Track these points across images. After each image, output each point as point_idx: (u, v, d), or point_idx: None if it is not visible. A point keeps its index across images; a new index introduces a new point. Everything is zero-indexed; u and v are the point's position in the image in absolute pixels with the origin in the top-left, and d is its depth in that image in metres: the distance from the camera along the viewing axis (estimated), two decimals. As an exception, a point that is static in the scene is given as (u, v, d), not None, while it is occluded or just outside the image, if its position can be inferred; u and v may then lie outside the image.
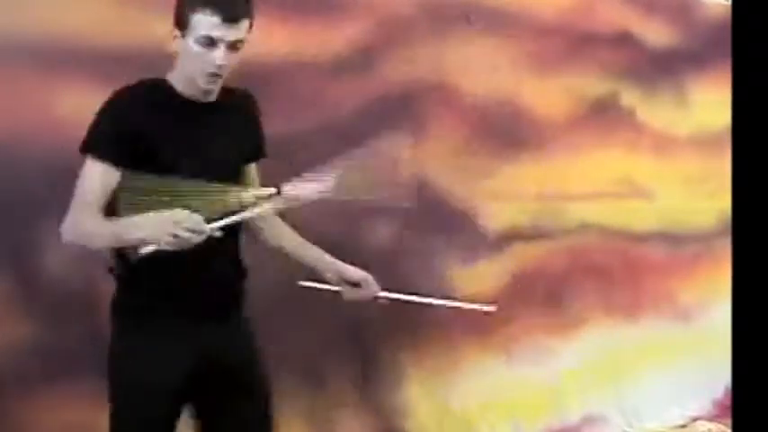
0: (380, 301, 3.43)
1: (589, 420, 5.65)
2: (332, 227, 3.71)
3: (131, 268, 3.13)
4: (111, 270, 3.18)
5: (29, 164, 3.73)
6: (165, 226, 2.86)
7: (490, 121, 5.21)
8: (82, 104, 3.76)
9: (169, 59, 3.30)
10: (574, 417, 5.59)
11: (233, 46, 3.02)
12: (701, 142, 6.32)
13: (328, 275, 3.39)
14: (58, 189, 3.44)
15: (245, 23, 3.03)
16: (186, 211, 2.87)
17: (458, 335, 5.09)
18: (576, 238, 5.69)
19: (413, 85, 4.87)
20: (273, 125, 3.34)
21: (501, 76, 5.28)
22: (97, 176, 3.05)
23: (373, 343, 3.57)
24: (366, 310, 3.56)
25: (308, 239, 3.41)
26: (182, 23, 3.02)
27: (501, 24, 5.25)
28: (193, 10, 2.98)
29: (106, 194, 3.04)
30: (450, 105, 5.05)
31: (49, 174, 3.72)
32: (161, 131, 3.05)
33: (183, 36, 3.02)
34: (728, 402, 5.33)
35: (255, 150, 3.36)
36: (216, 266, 3.14)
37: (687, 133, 6.29)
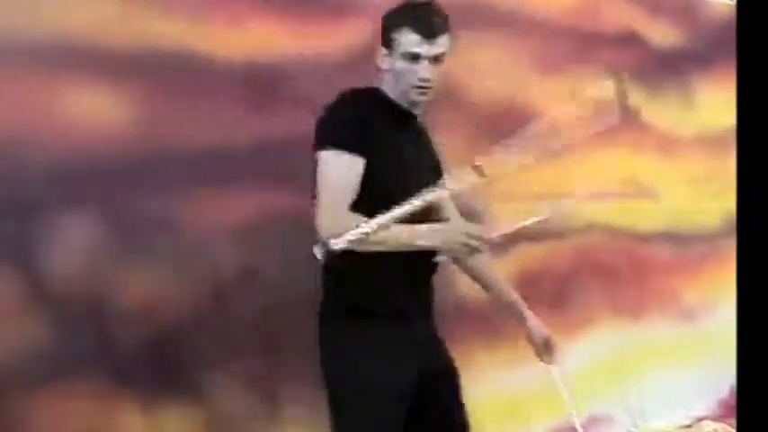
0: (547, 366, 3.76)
1: (594, 420, 5.64)
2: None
3: (344, 268, 3.24)
4: (326, 268, 3.30)
5: (33, 163, 3.72)
6: (458, 236, 3.20)
7: (496, 121, 5.20)
8: (86, 104, 3.79)
9: (173, 59, 3.32)
10: (579, 416, 5.58)
11: (435, 59, 3.32)
12: (706, 142, 6.32)
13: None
14: (62, 189, 3.46)
15: (444, 38, 3.34)
16: (477, 225, 3.29)
17: (464, 335, 5.09)
18: (582, 238, 5.69)
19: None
20: (278, 125, 3.35)
21: (506, 77, 5.28)
22: (346, 167, 3.18)
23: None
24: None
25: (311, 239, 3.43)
26: (387, 43, 3.34)
27: (506, 25, 5.25)
28: (396, 30, 3.30)
29: (358, 184, 3.18)
30: (456, 105, 5.05)
31: (53, 174, 3.72)
32: (384, 127, 3.29)
33: (390, 54, 3.34)
34: (733, 402, 5.33)
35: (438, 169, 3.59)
36: (419, 264, 3.33)
37: (692, 133, 6.29)
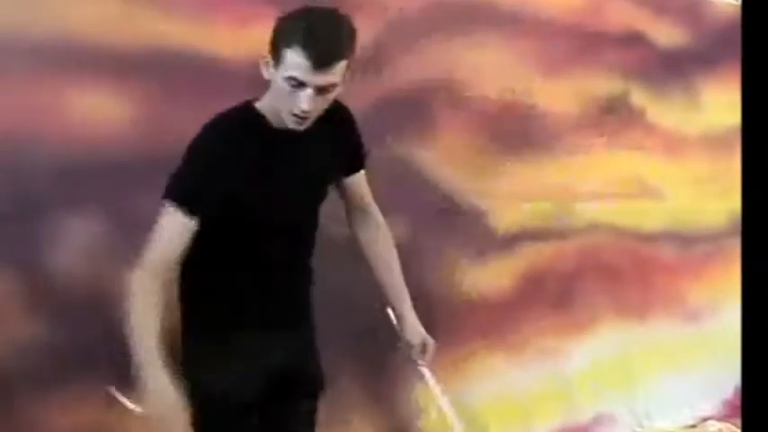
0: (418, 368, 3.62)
1: (599, 420, 5.65)
2: (342, 226, 3.72)
3: (199, 283, 3.19)
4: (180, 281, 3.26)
5: (38, 163, 3.73)
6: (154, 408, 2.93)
7: (500, 121, 5.20)
8: (89, 103, 3.79)
9: (177, 59, 3.33)
10: (584, 417, 5.59)
11: (323, 90, 2.94)
12: (711, 142, 6.32)
13: (392, 317, 3.58)
14: (67, 188, 3.46)
15: (339, 66, 2.93)
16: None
17: (469, 335, 5.09)
18: (586, 238, 5.69)
19: (423, 85, 4.87)
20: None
21: (510, 77, 5.28)
22: (175, 228, 3.02)
23: (385, 343, 3.58)
24: (376, 310, 3.56)
25: (317, 238, 3.44)
26: (274, 54, 2.95)
27: (511, 24, 5.25)
28: (287, 45, 2.88)
29: (180, 247, 3.02)
30: (460, 105, 5.05)
31: (58, 173, 3.72)
32: (246, 175, 3.04)
33: (275, 68, 2.95)
34: (738, 402, 5.32)
35: (352, 162, 3.40)
36: (284, 275, 3.21)
37: (697, 133, 6.28)
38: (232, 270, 3.14)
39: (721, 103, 6.22)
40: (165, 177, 3.21)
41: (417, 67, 4.80)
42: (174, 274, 3.16)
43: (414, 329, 3.57)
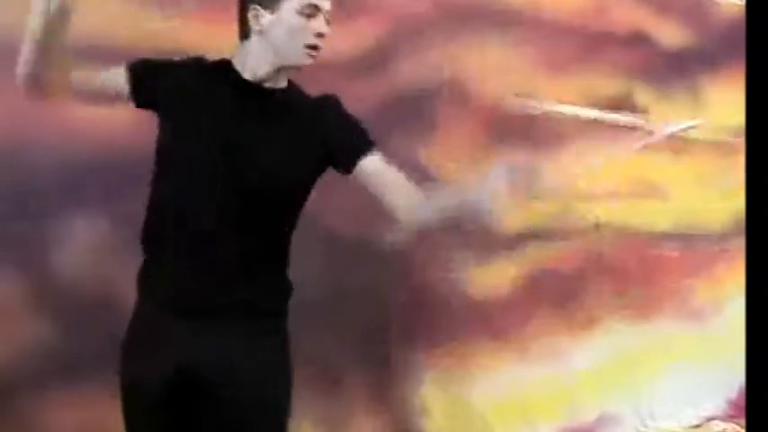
0: None
1: (603, 420, 5.65)
2: (347, 225, 3.73)
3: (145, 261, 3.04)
4: None
5: (41, 164, 3.74)
6: None
7: (504, 121, 5.21)
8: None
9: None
10: (588, 416, 5.59)
11: (326, 16, 2.98)
12: (715, 142, 6.32)
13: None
14: (70, 189, 3.47)
15: None
16: None
17: (473, 335, 5.10)
18: (591, 238, 5.69)
19: (427, 85, 4.87)
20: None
21: (515, 77, 5.28)
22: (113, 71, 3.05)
23: (389, 343, 3.58)
24: (381, 311, 3.57)
25: (322, 238, 3.42)
26: (271, 1, 2.92)
27: (515, 24, 5.25)
28: None
29: (102, 76, 3.08)
30: (465, 105, 5.05)
31: (61, 174, 3.73)
32: (207, 99, 2.97)
33: (274, 11, 2.92)
34: (743, 402, 5.32)
35: (341, 154, 3.11)
36: (213, 265, 2.92)
37: (701, 133, 6.28)
38: (166, 232, 2.97)
39: (726, 103, 6.22)
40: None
41: (422, 67, 4.81)
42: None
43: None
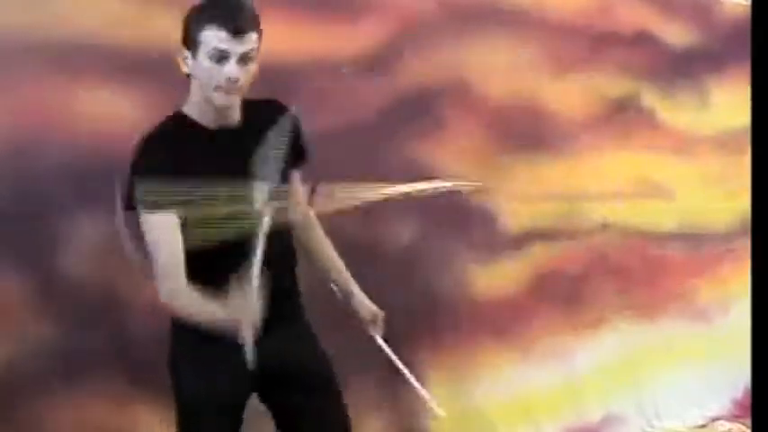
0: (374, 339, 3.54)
1: (609, 420, 5.64)
2: (352, 225, 3.73)
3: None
4: None
5: (47, 164, 3.74)
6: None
7: (510, 121, 5.21)
8: (100, 104, 3.80)
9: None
10: (593, 417, 5.59)
11: (243, 59, 3.05)
12: (720, 142, 6.32)
13: (337, 293, 3.52)
14: (76, 188, 3.47)
15: (252, 36, 3.07)
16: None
17: (478, 335, 5.10)
18: (596, 237, 5.69)
19: (433, 86, 4.88)
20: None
21: (521, 76, 5.29)
22: (171, 229, 3.08)
23: (393, 344, 3.57)
24: (385, 311, 3.57)
25: (327, 237, 3.44)
26: (191, 44, 3.07)
27: (520, 24, 5.25)
28: (200, 27, 3.03)
29: (181, 242, 3.09)
30: (471, 105, 5.06)
31: (67, 173, 3.73)
32: (190, 167, 3.04)
33: (194, 56, 3.07)
34: (748, 402, 5.33)
35: (293, 157, 3.30)
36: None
37: (707, 133, 6.28)
38: (202, 270, 3.11)
39: (731, 104, 6.22)
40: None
41: (428, 67, 4.81)
42: None
43: (362, 303, 3.54)
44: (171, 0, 3.94)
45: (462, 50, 4.99)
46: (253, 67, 3.11)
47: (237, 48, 3.03)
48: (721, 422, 6.04)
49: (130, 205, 3.08)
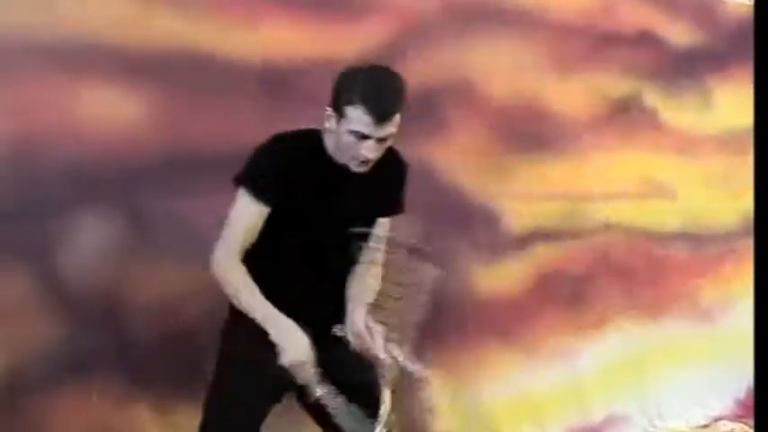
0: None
1: (612, 420, 5.65)
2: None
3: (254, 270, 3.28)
4: None
5: (52, 163, 3.74)
6: (300, 354, 3.16)
7: (513, 121, 5.21)
8: (103, 104, 3.80)
9: (190, 60, 3.33)
10: (597, 416, 5.59)
11: (382, 140, 3.16)
12: (723, 142, 6.32)
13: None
14: (81, 189, 3.47)
15: (396, 118, 3.15)
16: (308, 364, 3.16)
17: (481, 335, 5.10)
18: (599, 238, 5.69)
19: (435, 85, 4.87)
20: (294, 125, 3.36)
21: (524, 76, 5.28)
22: (253, 214, 3.24)
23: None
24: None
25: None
26: (337, 108, 3.16)
27: (523, 24, 5.25)
28: (349, 101, 3.11)
29: (257, 231, 3.24)
30: (473, 105, 5.05)
31: (72, 173, 3.73)
32: (305, 185, 3.23)
33: (338, 122, 3.16)
34: (751, 402, 5.33)
35: (389, 207, 3.50)
36: (323, 291, 3.34)
37: (710, 133, 6.28)
38: (276, 267, 3.28)
39: (733, 104, 6.22)
40: (181, 177, 3.22)
41: (431, 67, 4.80)
42: None
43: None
44: (174, 1, 3.96)
45: (465, 51, 4.99)
46: (390, 141, 3.23)
47: (379, 133, 3.13)
48: (724, 422, 6.05)
49: (239, 179, 3.24)
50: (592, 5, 5.63)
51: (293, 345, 3.16)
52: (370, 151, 3.15)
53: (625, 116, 5.80)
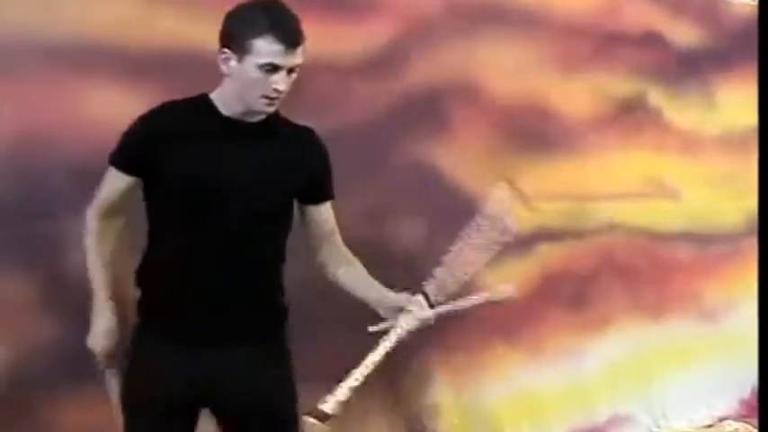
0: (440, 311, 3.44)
1: (616, 420, 5.65)
2: (359, 227, 3.73)
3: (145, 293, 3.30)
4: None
5: (55, 163, 3.75)
6: (92, 340, 3.32)
7: (517, 121, 5.21)
8: (108, 103, 3.80)
9: (193, 60, 3.32)
10: (601, 417, 5.59)
11: (291, 70, 3.10)
12: (727, 142, 6.32)
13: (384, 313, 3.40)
14: (84, 188, 3.47)
15: (302, 48, 3.10)
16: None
17: (485, 335, 5.10)
18: (603, 238, 5.69)
19: (439, 86, 4.87)
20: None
21: (528, 77, 5.28)
22: (112, 179, 3.27)
23: (401, 344, 3.56)
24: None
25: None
26: (237, 47, 3.06)
27: (528, 24, 5.25)
28: (253, 35, 3.02)
29: (115, 197, 3.28)
30: (477, 105, 5.05)
31: (74, 173, 3.74)
32: (181, 142, 3.14)
33: (240, 61, 3.07)
34: (755, 402, 5.33)
35: (315, 189, 3.38)
36: (221, 294, 3.20)
37: (714, 133, 6.28)
38: (170, 256, 3.24)
39: (738, 104, 6.22)
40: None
41: (434, 67, 4.81)
42: (119, 223, 3.36)
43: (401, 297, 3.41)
44: (178, 0, 3.96)
45: (469, 51, 4.99)
46: (294, 76, 3.14)
47: (290, 61, 3.07)
48: (728, 422, 6.05)
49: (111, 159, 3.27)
50: (596, 6, 5.63)
51: (93, 328, 3.26)
52: (281, 83, 3.07)
53: (629, 116, 5.79)
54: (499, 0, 5.13)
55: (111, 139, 3.32)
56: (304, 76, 4.19)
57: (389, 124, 4.66)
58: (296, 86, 4.13)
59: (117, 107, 3.79)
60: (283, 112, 3.31)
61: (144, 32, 3.91)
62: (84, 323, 3.58)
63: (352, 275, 3.43)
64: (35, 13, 3.72)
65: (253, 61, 3.04)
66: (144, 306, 3.32)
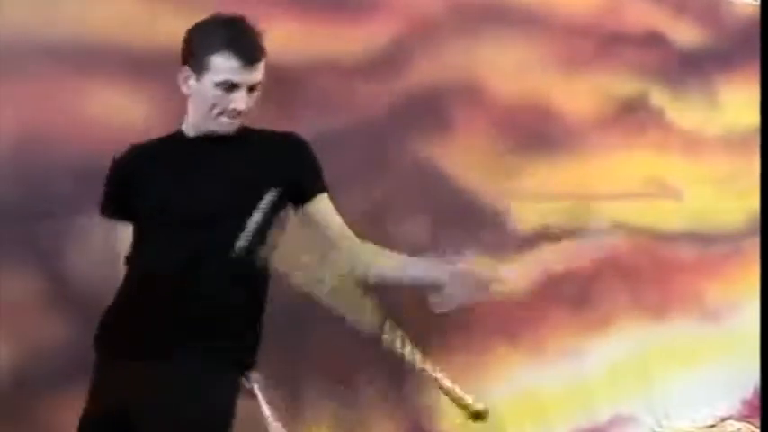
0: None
1: (618, 420, 5.64)
2: (360, 227, 3.72)
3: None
4: None
5: (58, 164, 3.75)
6: None
7: (519, 121, 5.21)
8: (109, 104, 3.81)
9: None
10: (603, 417, 5.58)
11: (252, 88, 2.99)
12: (729, 142, 6.31)
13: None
14: (87, 189, 3.47)
15: (262, 64, 2.99)
16: None
17: (487, 335, 5.09)
18: (605, 238, 5.68)
19: (441, 86, 4.87)
20: (297, 126, 3.35)
21: (530, 77, 5.28)
22: (110, 230, 3.20)
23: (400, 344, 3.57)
24: (395, 312, 3.56)
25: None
26: (195, 65, 2.98)
27: (530, 24, 5.25)
28: (210, 51, 2.94)
29: (122, 247, 3.15)
30: (479, 105, 5.05)
31: (76, 173, 3.74)
32: (149, 173, 3.07)
33: (199, 80, 2.98)
34: (757, 402, 5.32)
35: (296, 188, 3.11)
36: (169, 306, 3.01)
37: (716, 133, 6.28)
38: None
39: (740, 104, 6.22)
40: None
41: (437, 67, 4.81)
42: None
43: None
44: (180, 0, 3.96)
45: (471, 51, 4.99)
46: (257, 94, 3.04)
47: (249, 78, 2.96)
48: (731, 422, 6.05)
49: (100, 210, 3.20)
50: (598, 6, 5.63)
51: None
52: (241, 102, 2.95)
53: (631, 116, 5.79)
54: (501, 0, 5.13)
55: (113, 140, 3.32)
56: (306, 77, 4.21)
57: (391, 124, 4.66)
58: (298, 87, 4.15)
59: (118, 107, 3.80)
60: (284, 112, 3.30)
61: (145, 33, 3.91)
62: (85, 322, 3.58)
63: (383, 268, 3.26)
64: (37, 13, 3.72)
65: (210, 79, 2.95)
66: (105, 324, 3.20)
